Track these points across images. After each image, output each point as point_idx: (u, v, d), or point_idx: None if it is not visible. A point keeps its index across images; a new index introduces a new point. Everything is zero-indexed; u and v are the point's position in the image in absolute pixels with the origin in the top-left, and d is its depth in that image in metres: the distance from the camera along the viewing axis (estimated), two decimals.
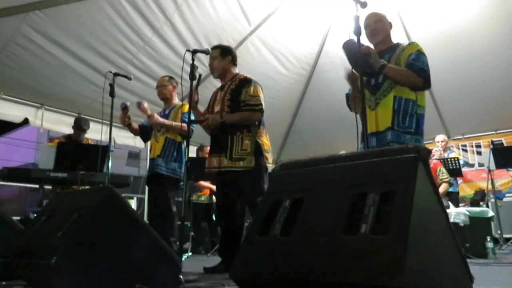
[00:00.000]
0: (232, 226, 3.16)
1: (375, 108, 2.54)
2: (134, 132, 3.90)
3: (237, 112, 3.10)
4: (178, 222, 3.46)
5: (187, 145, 2.86)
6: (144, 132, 3.93)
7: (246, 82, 3.18)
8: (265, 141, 3.18)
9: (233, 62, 3.34)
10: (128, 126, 3.77)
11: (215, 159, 3.14)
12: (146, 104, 3.71)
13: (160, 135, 3.69)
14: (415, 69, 2.48)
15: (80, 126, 4.82)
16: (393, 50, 2.63)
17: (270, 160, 3.22)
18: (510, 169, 6.11)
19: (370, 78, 2.60)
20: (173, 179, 3.56)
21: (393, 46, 2.67)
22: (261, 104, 3.13)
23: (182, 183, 3.63)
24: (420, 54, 2.55)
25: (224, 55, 3.29)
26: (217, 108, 3.21)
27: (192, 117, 3.34)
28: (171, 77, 3.89)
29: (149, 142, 3.98)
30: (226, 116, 3.11)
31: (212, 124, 3.13)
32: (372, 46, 2.55)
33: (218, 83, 3.43)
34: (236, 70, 3.35)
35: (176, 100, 3.82)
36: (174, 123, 3.56)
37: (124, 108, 3.64)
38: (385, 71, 2.49)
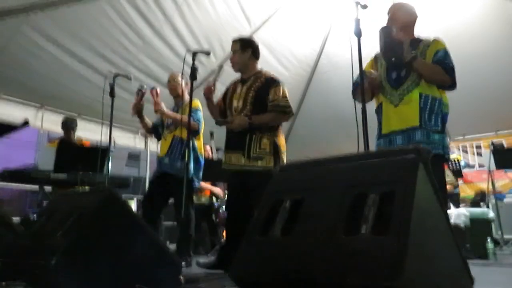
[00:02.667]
0: (242, 228, 3.04)
1: (398, 104, 2.48)
2: (146, 127, 3.82)
3: (263, 112, 2.97)
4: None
5: (188, 142, 2.84)
6: (156, 130, 3.88)
7: (274, 81, 3.06)
8: (282, 141, 3.08)
9: (254, 55, 3.17)
10: (139, 117, 3.69)
11: (232, 156, 3.02)
12: (158, 90, 3.63)
13: (168, 133, 3.65)
14: (445, 66, 2.43)
15: (67, 125, 4.81)
16: (415, 44, 2.56)
17: (285, 162, 3.07)
18: (507, 170, 6.09)
19: (391, 71, 2.54)
20: (181, 178, 3.49)
21: (415, 40, 2.59)
22: (290, 107, 3.03)
23: (194, 183, 3.59)
24: (447, 52, 2.49)
25: (244, 49, 3.13)
26: (236, 102, 3.08)
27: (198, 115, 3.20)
28: (183, 74, 3.82)
29: (150, 143, 3.97)
30: (255, 118, 2.95)
31: (239, 126, 2.96)
32: None
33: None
34: (259, 65, 3.21)
35: (186, 97, 3.73)
36: (178, 115, 3.47)
37: (139, 92, 3.59)
38: (415, 63, 2.42)
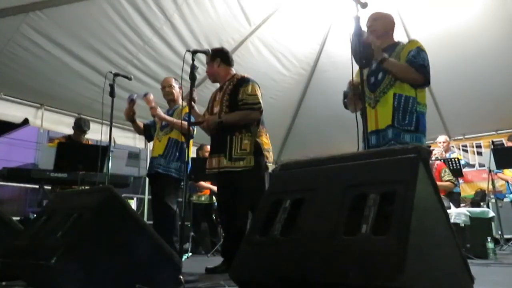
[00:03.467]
0: (234, 226, 3.15)
1: (375, 106, 2.54)
2: (138, 129, 3.90)
3: (236, 111, 3.09)
4: (178, 223, 3.46)
5: (187, 144, 2.87)
6: (148, 131, 3.94)
7: (243, 81, 3.17)
8: (265, 140, 3.18)
9: (224, 62, 3.29)
10: (132, 122, 3.77)
11: (215, 159, 3.14)
12: (152, 96, 3.71)
13: (163, 135, 3.70)
14: (415, 65, 2.48)
15: (80, 127, 4.82)
16: (392, 48, 2.64)
17: (271, 159, 3.21)
18: (498, 171, 6.05)
19: (371, 77, 2.60)
20: (174, 178, 3.57)
21: (393, 44, 2.68)
22: (259, 103, 3.12)
23: (182, 183, 3.64)
24: (420, 50, 2.55)
25: (213, 59, 3.27)
26: (216, 109, 3.21)
27: (192, 119, 3.33)
28: (175, 79, 3.88)
29: (151, 142, 4.00)
30: (224, 117, 3.10)
31: (210, 125, 3.12)
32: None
33: (218, 84, 3.42)
34: (233, 71, 3.34)
35: (180, 101, 3.81)
36: (175, 120, 3.56)
37: (131, 101, 3.65)
38: (385, 64, 2.49)
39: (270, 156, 3.19)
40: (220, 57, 3.29)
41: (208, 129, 3.19)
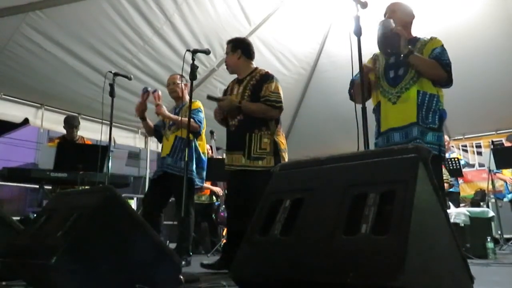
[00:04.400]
0: (241, 226, 3.06)
1: (396, 102, 2.49)
2: (148, 128, 3.82)
3: (257, 103, 3.01)
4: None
5: (188, 142, 2.85)
6: (158, 132, 3.89)
7: (267, 77, 3.11)
8: (282, 140, 3.10)
9: (246, 55, 3.23)
10: (142, 119, 3.70)
11: (233, 156, 3.05)
12: (160, 93, 3.68)
13: (170, 133, 3.67)
14: (442, 62, 2.44)
15: (70, 123, 4.81)
16: (412, 43, 2.57)
17: (286, 160, 3.11)
18: (497, 171, 6.05)
19: (389, 70, 2.55)
20: (188, 178, 3.47)
21: (412, 39, 2.60)
22: (281, 102, 3.05)
23: (196, 182, 3.60)
24: (444, 49, 2.51)
25: (234, 50, 3.21)
26: None
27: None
28: (182, 76, 3.80)
29: (150, 142, 3.98)
30: (244, 103, 3.01)
31: (228, 106, 3.02)
32: None
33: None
34: (254, 64, 3.26)
35: (187, 98, 3.74)
36: (179, 118, 3.49)
37: (146, 92, 3.60)
38: (411, 58, 2.43)
39: (286, 157, 3.10)
40: (241, 49, 3.22)
41: (223, 110, 3.08)
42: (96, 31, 4.68)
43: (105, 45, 4.87)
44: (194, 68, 2.87)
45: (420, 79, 2.47)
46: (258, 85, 3.07)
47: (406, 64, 2.50)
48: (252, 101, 3.04)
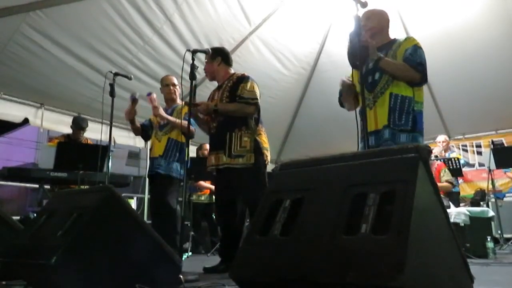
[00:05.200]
0: (232, 225, 3.15)
1: (373, 107, 2.53)
2: (136, 130, 3.87)
3: (232, 103, 3.12)
4: (179, 222, 3.43)
5: (187, 144, 2.86)
6: (145, 131, 3.92)
7: (243, 78, 3.21)
8: (264, 139, 3.20)
9: (225, 62, 3.34)
10: (131, 122, 3.74)
11: (214, 156, 3.15)
12: (155, 96, 3.69)
13: (163, 135, 3.68)
14: (412, 63, 2.46)
15: (78, 125, 4.81)
16: (389, 45, 2.61)
17: (269, 158, 3.22)
18: (507, 171, 6.09)
19: (368, 76, 2.58)
20: (175, 179, 3.56)
21: (390, 42, 2.65)
22: (256, 99, 3.14)
23: (182, 183, 3.63)
24: (417, 48, 2.52)
25: (213, 58, 3.31)
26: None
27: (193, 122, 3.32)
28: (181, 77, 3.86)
29: (149, 142, 3.99)
30: (220, 105, 3.13)
31: (204, 110, 3.14)
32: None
33: (216, 82, 3.42)
34: (232, 70, 3.37)
35: (179, 100, 3.82)
36: (177, 120, 3.54)
37: (134, 100, 3.63)
38: (381, 64, 2.47)
39: (268, 155, 3.21)
40: (221, 56, 3.33)
41: (201, 113, 3.22)
42: (96, 31, 4.68)
43: (105, 45, 4.87)
44: (194, 68, 2.87)
45: (394, 82, 2.49)
46: (235, 86, 3.18)
47: (381, 69, 2.53)
48: (230, 102, 3.14)
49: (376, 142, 2.48)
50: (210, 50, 3.19)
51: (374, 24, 2.64)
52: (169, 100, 3.85)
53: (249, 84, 3.16)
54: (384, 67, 2.48)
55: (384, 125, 2.47)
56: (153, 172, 3.63)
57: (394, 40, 2.66)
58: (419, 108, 2.52)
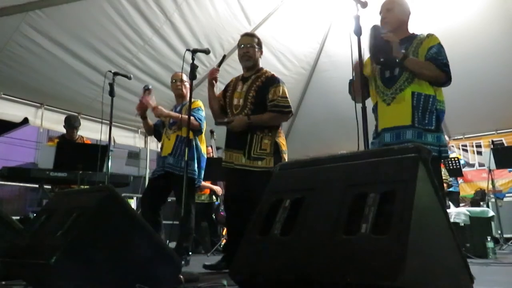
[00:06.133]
0: (240, 225, 3.08)
1: (391, 103, 2.45)
2: (148, 128, 3.81)
3: (264, 111, 2.99)
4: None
5: (188, 141, 2.85)
6: (158, 131, 3.88)
7: (274, 81, 3.07)
8: (282, 141, 3.10)
9: (261, 54, 3.23)
10: (142, 117, 3.68)
11: (232, 155, 3.04)
12: (149, 98, 3.62)
13: (171, 133, 3.64)
14: (438, 63, 2.39)
15: (70, 124, 4.82)
16: (409, 40, 2.51)
17: (287, 160, 3.10)
18: (511, 170, 6.11)
19: (385, 70, 2.51)
20: (189, 179, 3.41)
21: (409, 37, 2.55)
22: (290, 106, 3.05)
23: (196, 182, 3.60)
24: (441, 47, 2.45)
25: (259, 46, 3.18)
26: (236, 101, 3.09)
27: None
28: (186, 75, 3.79)
29: (152, 143, 3.99)
30: (254, 118, 2.97)
31: (238, 126, 2.97)
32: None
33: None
34: (261, 65, 3.23)
35: (188, 98, 3.76)
36: (181, 115, 3.45)
37: (147, 90, 3.58)
38: (406, 62, 2.38)
39: (286, 158, 3.10)
40: (261, 48, 3.22)
41: (234, 130, 3.02)
42: (96, 30, 4.68)
43: (105, 45, 4.87)
44: (194, 67, 2.86)
45: (415, 80, 2.42)
46: (264, 87, 3.04)
47: (401, 65, 2.44)
48: (256, 104, 3.01)
49: (393, 139, 2.40)
50: (210, 50, 3.14)
51: (395, 18, 2.52)
52: (178, 96, 3.81)
53: (281, 89, 3.02)
54: (410, 67, 2.39)
55: (405, 125, 2.39)
56: (162, 171, 3.55)
57: (414, 35, 2.55)
58: (441, 107, 2.47)
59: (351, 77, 2.55)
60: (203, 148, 3.76)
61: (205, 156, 3.79)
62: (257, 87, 3.05)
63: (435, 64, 2.39)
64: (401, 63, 2.40)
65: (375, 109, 2.60)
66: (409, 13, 2.61)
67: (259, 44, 3.17)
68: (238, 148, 3.00)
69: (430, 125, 2.39)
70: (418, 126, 2.38)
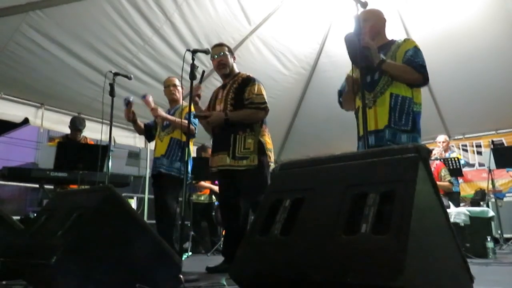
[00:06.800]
0: (236, 225, 3.15)
1: (372, 107, 2.52)
2: (139, 130, 3.93)
3: (242, 109, 3.11)
4: (179, 222, 3.45)
5: (187, 143, 2.87)
6: (149, 131, 3.96)
7: (249, 80, 3.20)
8: (268, 140, 3.20)
9: (234, 60, 3.38)
10: (133, 122, 3.81)
11: (217, 157, 3.15)
12: (151, 98, 3.73)
13: (165, 134, 3.72)
14: (414, 65, 2.46)
15: (75, 126, 4.83)
16: (388, 46, 2.61)
17: (273, 159, 3.23)
18: (510, 170, 6.11)
19: (366, 75, 2.56)
20: (176, 178, 3.57)
21: (388, 43, 2.65)
22: (266, 103, 3.15)
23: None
24: (417, 50, 2.53)
25: (231, 53, 3.33)
26: (218, 107, 3.21)
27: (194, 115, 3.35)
28: (178, 79, 3.89)
29: (152, 142, 4.03)
30: (230, 114, 3.10)
31: (215, 121, 3.12)
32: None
33: (216, 82, 3.45)
34: (237, 70, 3.37)
35: (181, 101, 3.84)
36: (176, 119, 3.58)
37: (128, 103, 3.66)
38: (383, 66, 2.46)
39: (272, 156, 3.21)
40: (233, 54, 3.36)
41: (212, 124, 3.19)
42: (96, 30, 4.68)
43: (105, 45, 4.87)
44: (194, 67, 2.87)
45: (394, 83, 2.49)
46: (240, 88, 3.17)
47: (380, 69, 2.52)
48: (236, 104, 3.13)
49: (376, 142, 2.47)
50: (210, 50, 3.18)
51: (372, 27, 2.63)
52: (172, 101, 3.90)
53: (256, 87, 3.15)
54: (387, 70, 2.47)
55: (385, 125, 2.46)
56: (155, 172, 3.67)
57: (392, 41, 2.66)
58: (418, 109, 2.53)
59: (348, 73, 2.60)
60: (191, 150, 3.86)
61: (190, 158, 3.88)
62: (235, 89, 3.18)
63: (411, 66, 2.46)
64: (379, 68, 2.47)
65: (357, 113, 2.66)
66: (384, 20, 2.72)
67: (230, 51, 3.33)
68: (223, 149, 3.11)
69: (406, 126, 2.46)
70: (394, 126, 2.45)
